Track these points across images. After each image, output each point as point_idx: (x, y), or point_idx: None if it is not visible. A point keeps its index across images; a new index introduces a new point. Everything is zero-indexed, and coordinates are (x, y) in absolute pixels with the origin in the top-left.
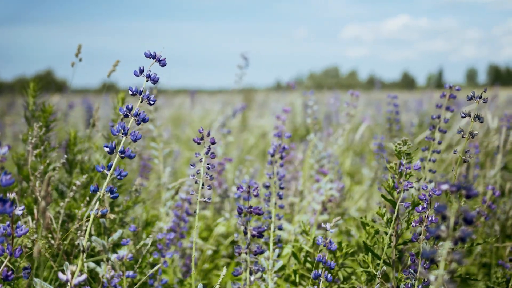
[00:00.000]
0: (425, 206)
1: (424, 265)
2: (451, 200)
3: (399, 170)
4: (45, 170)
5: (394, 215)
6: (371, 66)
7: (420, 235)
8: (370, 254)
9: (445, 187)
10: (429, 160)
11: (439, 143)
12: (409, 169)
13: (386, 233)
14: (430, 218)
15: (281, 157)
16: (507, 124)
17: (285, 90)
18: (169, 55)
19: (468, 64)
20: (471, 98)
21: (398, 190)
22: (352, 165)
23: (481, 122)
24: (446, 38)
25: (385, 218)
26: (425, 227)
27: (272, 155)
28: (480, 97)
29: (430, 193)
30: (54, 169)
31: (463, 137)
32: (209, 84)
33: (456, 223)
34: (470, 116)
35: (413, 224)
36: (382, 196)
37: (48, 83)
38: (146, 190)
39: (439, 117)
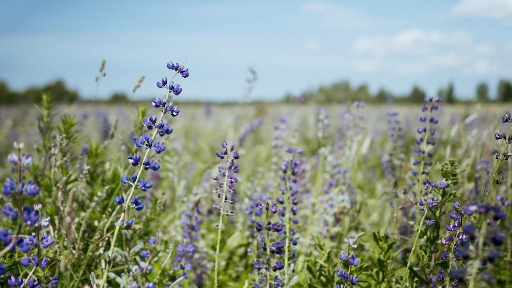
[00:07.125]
0: (455, 224)
1: (453, 283)
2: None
3: (438, 188)
4: (67, 181)
5: (431, 233)
6: (381, 80)
7: (449, 253)
8: (409, 271)
9: (474, 208)
10: (422, 173)
11: (429, 155)
12: (435, 187)
13: (425, 251)
14: (460, 237)
15: (293, 173)
16: None
17: (295, 104)
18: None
19: (479, 79)
20: (506, 120)
21: (422, 208)
22: (365, 179)
23: None
24: (457, 52)
25: (425, 236)
26: (455, 245)
27: (284, 171)
28: None
29: (462, 212)
30: (76, 180)
31: (496, 158)
32: (220, 96)
33: (484, 243)
34: (504, 137)
35: (443, 242)
36: (426, 218)
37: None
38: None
39: (424, 130)
